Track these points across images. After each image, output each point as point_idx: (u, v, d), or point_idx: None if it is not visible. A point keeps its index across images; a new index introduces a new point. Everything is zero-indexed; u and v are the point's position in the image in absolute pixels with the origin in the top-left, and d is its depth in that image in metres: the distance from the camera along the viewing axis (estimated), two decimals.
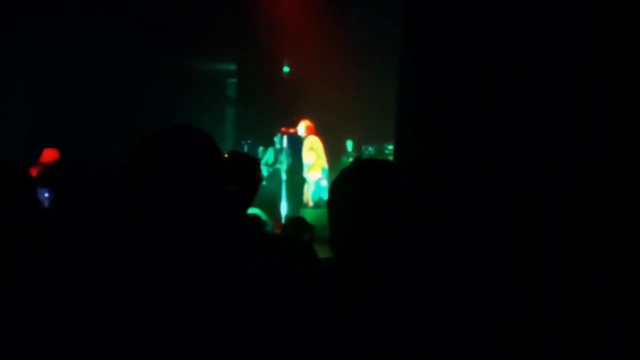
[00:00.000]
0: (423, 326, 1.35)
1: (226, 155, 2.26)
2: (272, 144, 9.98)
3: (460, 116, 2.73)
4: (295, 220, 5.63)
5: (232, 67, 12.34)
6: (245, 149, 10.18)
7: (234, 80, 12.57)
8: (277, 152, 10.06)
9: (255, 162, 2.47)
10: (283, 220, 8.54)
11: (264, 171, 9.46)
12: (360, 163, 1.54)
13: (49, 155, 8.24)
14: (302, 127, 9.02)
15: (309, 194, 9.04)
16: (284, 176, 9.34)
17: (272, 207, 8.90)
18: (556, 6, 2.38)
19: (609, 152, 2.21)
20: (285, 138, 9.28)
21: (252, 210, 4.03)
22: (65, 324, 1.35)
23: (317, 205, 9.03)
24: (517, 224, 2.38)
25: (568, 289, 2.13)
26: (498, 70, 2.56)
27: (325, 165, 9.17)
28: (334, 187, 1.50)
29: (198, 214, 1.44)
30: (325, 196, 9.45)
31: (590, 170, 2.25)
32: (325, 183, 9.10)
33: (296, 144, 9.23)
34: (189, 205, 1.43)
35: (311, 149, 8.97)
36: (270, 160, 10.08)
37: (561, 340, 1.94)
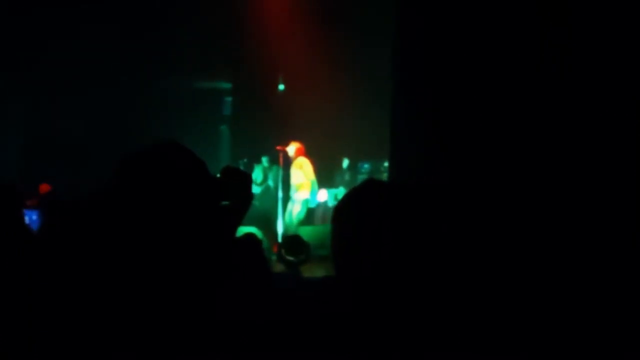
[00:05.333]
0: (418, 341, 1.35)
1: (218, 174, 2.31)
2: (270, 162, 10.04)
3: (454, 130, 2.73)
4: (291, 239, 5.63)
5: (228, 85, 12.38)
6: (242, 167, 10.19)
7: (229, 98, 12.61)
8: (266, 170, 10.09)
9: (247, 178, 2.52)
10: (279, 239, 8.53)
11: (254, 190, 9.46)
12: (369, 185, 1.55)
13: (44, 189, 8.45)
14: (292, 149, 9.09)
15: (295, 214, 9.10)
16: (280, 194, 9.35)
17: (268, 225, 8.89)
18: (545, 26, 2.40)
19: (609, 157, 2.22)
20: (281, 156, 9.31)
21: (248, 229, 4.02)
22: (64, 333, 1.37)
23: (302, 224, 9.07)
24: (515, 232, 2.38)
25: (569, 291, 2.13)
26: (489, 85, 2.57)
27: (315, 186, 9.25)
28: (339, 207, 1.51)
29: (187, 228, 1.45)
30: (310, 214, 9.54)
31: (589, 172, 2.25)
32: (323, 197, 9.21)
33: (292, 161, 9.27)
34: (177, 221, 1.45)
35: (300, 168, 9.03)
36: (259, 179, 10.10)
37: (561, 340, 1.93)
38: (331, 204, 9.84)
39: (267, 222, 9.05)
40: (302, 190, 9.06)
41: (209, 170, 1.55)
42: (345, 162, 10.89)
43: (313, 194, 9.21)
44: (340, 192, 10.01)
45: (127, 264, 1.42)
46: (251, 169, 10.31)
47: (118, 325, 1.35)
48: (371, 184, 1.54)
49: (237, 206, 2.28)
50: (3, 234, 2.36)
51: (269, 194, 9.85)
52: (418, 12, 2.95)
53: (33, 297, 1.45)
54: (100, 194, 2.29)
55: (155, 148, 1.50)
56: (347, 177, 10.64)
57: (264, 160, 10.15)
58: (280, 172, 9.46)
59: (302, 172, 9.03)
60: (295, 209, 9.08)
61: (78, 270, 1.47)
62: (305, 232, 7.84)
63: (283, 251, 5.18)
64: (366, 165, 10.78)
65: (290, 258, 5.10)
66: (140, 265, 1.42)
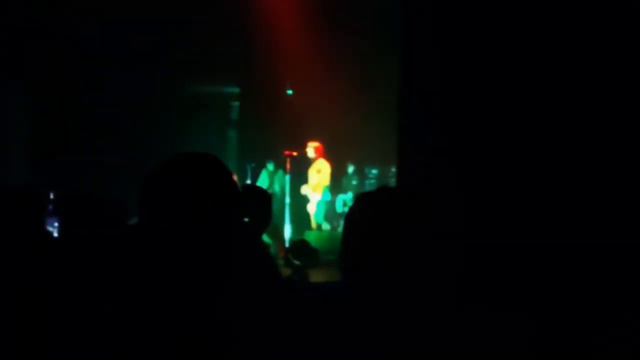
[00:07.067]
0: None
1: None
2: (275, 167, 10.07)
3: (461, 134, 2.73)
4: (299, 244, 5.62)
5: (235, 90, 12.42)
6: (249, 172, 10.22)
7: (237, 103, 12.64)
8: (271, 176, 10.11)
9: (268, 199, 2.59)
10: (287, 243, 8.53)
11: None
12: (380, 190, 1.55)
13: None
14: (311, 149, 9.15)
15: (312, 214, 9.23)
16: (287, 199, 9.37)
17: (275, 230, 8.90)
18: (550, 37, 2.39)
19: (609, 157, 2.21)
20: (288, 161, 9.33)
21: None
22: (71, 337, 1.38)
23: (320, 226, 9.13)
24: (519, 235, 2.38)
25: (570, 292, 2.13)
26: (494, 87, 2.56)
27: (327, 190, 9.40)
28: (350, 211, 1.52)
29: (211, 240, 1.46)
30: (327, 217, 9.61)
31: (591, 172, 2.25)
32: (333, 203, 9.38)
33: (299, 166, 9.29)
34: (203, 233, 1.46)
35: (319, 171, 9.12)
36: (265, 184, 10.08)
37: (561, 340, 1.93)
38: (340, 210, 9.85)
39: (274, 227, 9.06)
40: (316, 191, 9.24)
41: (237, 185, 1.56)
42: (351, 168, 10.90)
43: (325, 194, 9.37)
44: (349, 197, 10.01)
45: (142, 266, 1.44)
46: (258, 173, 10.32)
47: (120, 325, 1.36)
48: (382, 190, 1.56)
49: (256, 224, 2.33)
50: (26, 238, 2.38)
51: (275, 199, 9.86)
52: (423, 16, 2.95)
53: (48, 296, 1.47)
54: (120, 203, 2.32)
55: (190, 157, 1.52)
56: (354, 182, 10.64)
57: (269, 165, 10.17)
58: (287, 178, 9.46)
59: (318, 176, 9.15)
60: (311, 210, 9.35)
61: (95, 274, 1.49)
62: (313, 237, 7.85)
63: (290, 255, 5.18)
64: (374, 171, 10.78)
65: (297, 263, 5.09)
66: (153, 267, 1.43)
